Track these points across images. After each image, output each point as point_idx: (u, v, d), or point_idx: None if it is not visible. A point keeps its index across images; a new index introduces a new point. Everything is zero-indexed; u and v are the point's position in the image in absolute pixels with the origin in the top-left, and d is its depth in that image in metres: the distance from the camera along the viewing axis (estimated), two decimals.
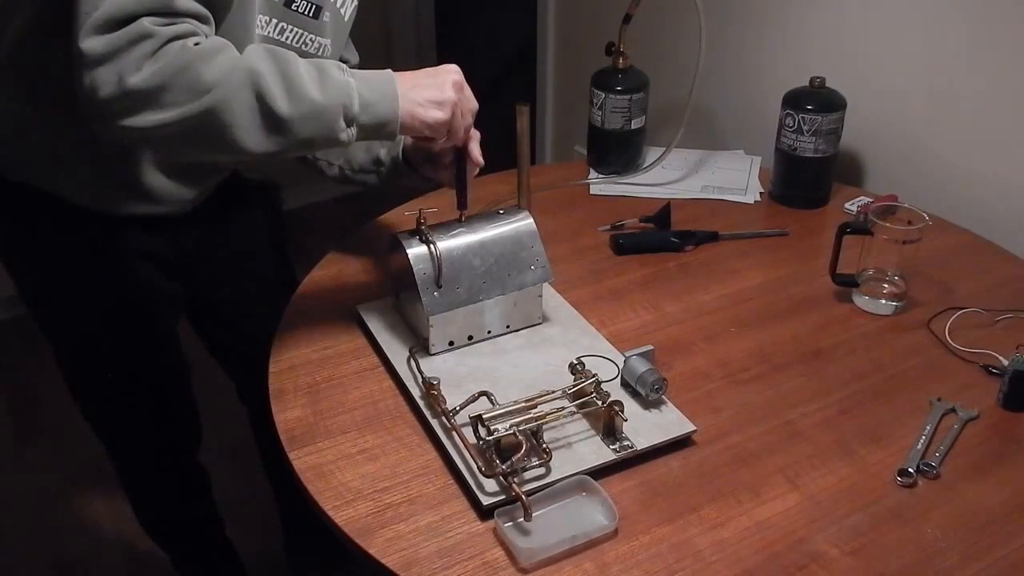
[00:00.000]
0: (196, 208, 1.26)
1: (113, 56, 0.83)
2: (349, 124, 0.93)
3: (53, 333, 1.27)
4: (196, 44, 0.86)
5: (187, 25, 0.88)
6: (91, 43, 0.82)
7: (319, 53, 1.13)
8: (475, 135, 1.12)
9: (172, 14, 0.87)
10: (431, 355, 1.08)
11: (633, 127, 1.57)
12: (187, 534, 1.59)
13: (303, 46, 1.10)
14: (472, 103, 1.04)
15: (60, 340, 1.28)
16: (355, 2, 1.16)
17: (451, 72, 1.01)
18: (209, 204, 1.28)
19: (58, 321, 1.26)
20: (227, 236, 1.35)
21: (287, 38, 1.08)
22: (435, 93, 0.98)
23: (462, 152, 1.10)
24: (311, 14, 1.08)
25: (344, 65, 0.96)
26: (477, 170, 1.14)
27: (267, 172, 1.42)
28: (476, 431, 0.91)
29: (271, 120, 0.89)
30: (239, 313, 1.41)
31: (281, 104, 0.88)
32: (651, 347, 1.04)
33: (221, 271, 1.36)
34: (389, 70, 0.98)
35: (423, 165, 1.19)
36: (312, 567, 1.75)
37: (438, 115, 0.98)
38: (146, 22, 0.84)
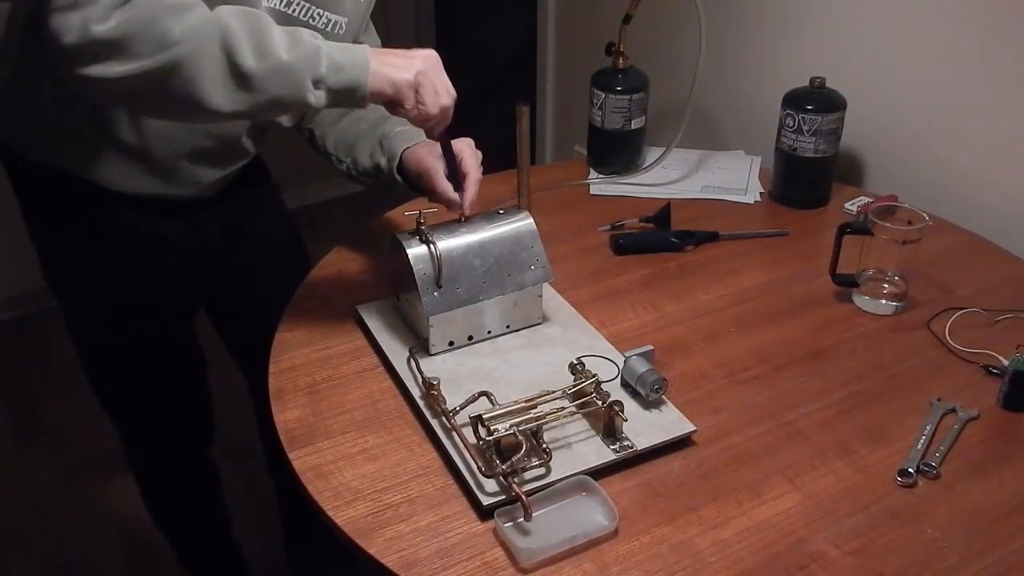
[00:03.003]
0: (219, 197, 1.26)
1: (80, 3, 0.83)
2: (317, 86, 0.94)
3: (70, 312, 1.29)
4: None
5: None
6: None
7: (331, 30, 1.13)
8: (467, 142, 1.12)
9: None
10: (431, 355, 1.08)
11: (633, 127, 1.57)
12: (193, 528, 1.60)
13: (310, 19, 1.09)
14: (446, 84, 1.02)
15: (77, 320, 1.29)
16: None
17: (425, 51, 1.01)
18: (232, 194, 1.28)
19: (76, 300, 1.27)
20: (250, 229, 1.36)
21: (293, 11, 1.07)
22: (403, 60, 0.98)
23: (449, 148, 1.10)
24: None
25: (318, 35, 0.96)
26: (480, 174, 1.13)
27: (271, 173, 1.43)
28: (476, 431, 0.91)
29: (237, 75, 0.89)
30: (258, 307, 1.41)
31: (248, 59, 0.89)
32: (651, 347, 1.04)
33: (242, 263, 1.37)
34: (367, 45, 0.99)
35: (416, 179, 1.18)
36: (312, 566, 1.75)
37: (403, 75, 0.97)
38: None
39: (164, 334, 1.32)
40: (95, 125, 1.10)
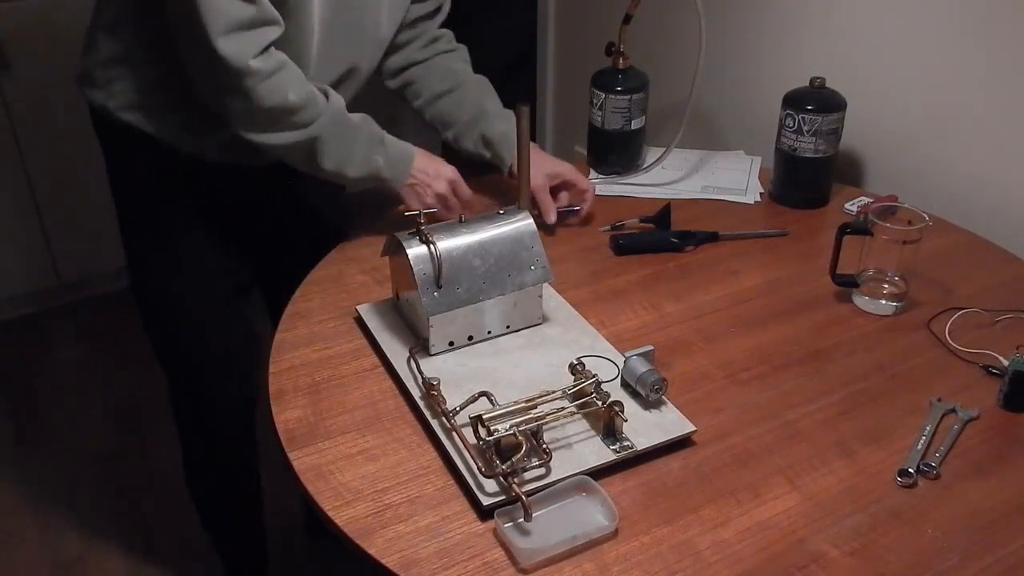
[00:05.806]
0: (286, 176, 1.33)
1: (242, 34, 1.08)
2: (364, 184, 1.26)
3: (138, 270, 1.37)
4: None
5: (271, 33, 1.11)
6: (256, 63, 1.09)
7: (376, 28, 1.30)
8: (561, 169, 1.40)
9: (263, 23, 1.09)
10: (431, 355, 1.08)
11: (633, 127, 1.57)
12: (230, 500, 1.62)
13: (361, 22, 1.27)
14: (446, 178, 1.30)
15: (143, 260, 1.36)
16: None
17: (447, 171, 1.31)
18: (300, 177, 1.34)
19: (145, 241, 1.35)
20: (313, 211, 1.48)
21: (343, 21, 1.23)
22: (428, 181, 1.29)
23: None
24: None
25: (387, 140, 1.26)
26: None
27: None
28: (476, 431, 0.91)
29: (317, 170, 1.22)
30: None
31: (326, 165, 1.21)
32: (651, 347, 1.04)
33: (301, 241, 1.43)
34: (411, 150, 1.29)
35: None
36: (333, 550, 1.74)
37: (425, 200, 1.29)
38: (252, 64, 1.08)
39: (225, 294, 1.40)
40: (176, 100, 1.22)
